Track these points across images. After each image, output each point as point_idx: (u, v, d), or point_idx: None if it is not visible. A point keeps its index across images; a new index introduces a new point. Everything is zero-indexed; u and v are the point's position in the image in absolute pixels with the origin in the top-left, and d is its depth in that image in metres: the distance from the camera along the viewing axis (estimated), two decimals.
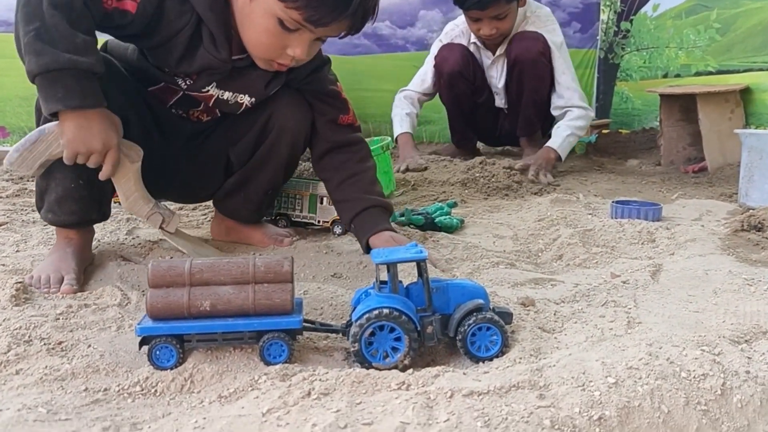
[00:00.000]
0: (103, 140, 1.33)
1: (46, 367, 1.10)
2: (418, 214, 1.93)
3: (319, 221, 1.85)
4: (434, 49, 2.98)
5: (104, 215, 1.57)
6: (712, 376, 0.95)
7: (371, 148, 2.25)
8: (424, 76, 2.99)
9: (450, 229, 1.89)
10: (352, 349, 1.07)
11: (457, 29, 2.93)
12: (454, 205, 2.03)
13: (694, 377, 0.95)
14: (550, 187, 2.49)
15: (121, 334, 1.22)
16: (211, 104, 1.61)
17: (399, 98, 3.01)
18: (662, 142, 3.11)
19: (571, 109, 2.74)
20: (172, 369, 1.07)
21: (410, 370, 1.05)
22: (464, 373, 1.01)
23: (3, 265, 1.55)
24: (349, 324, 1.13)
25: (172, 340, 1.07)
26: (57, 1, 1.26)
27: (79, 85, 1.28)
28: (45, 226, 1.87)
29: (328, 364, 1.11)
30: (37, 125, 1.41)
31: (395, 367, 1.08)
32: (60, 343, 1.19)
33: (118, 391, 1.03)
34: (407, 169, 2.67)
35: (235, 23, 1.45)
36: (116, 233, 1.77)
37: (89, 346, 1.17)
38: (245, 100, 1.61)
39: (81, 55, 1.27)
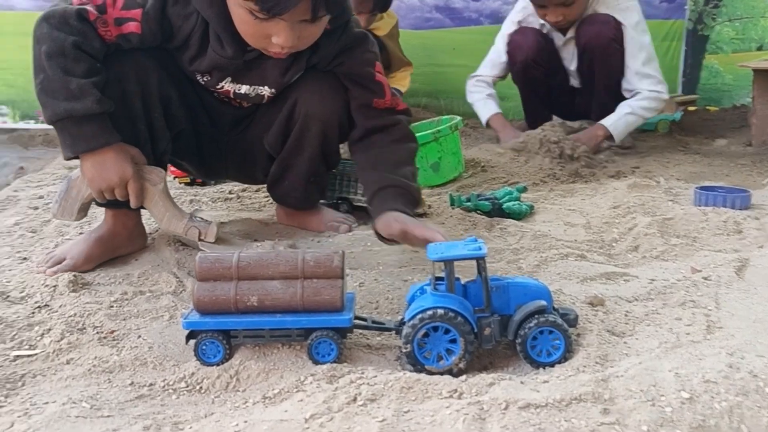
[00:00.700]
0: (119, 174, 1.37)
1: (96, 357, 1.09)
2: (486, 199, 1.85)
3: None
4: (505, 28, 2.84)
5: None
6: None
7: (440, 127, 2.19)
8: (495, 59, 2.85)
9: (519, 216, 1.79)
10: (404, 350, 1.02)
11: (530, 7, 2.79)
12: (524, 189, 1.93)
13: None
14: (621, 167, 2.33)
15: (173, 324, 1.20)
16: (231, 97, 1.57)
17: (472, 84, 2.88)
18: (755, 121, 2.88)
19: (641, 91, 2.58)
20: (218, 365, 1.04)
21: (464, 376, 0.99)
22: (522, 382, 0.94)
23: None
24: (402, 322, 1.07)
25: (218, 335, 1.04)
26: (51, 50, 1.31)
27: (82, 131, 1.34)
28: None
29: (379, 365, 1.05)
30: None
31: (449, 371, 1.02)
32: (112, 332, 1.19)
33: (163, 386, 1.01)
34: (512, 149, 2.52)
35: None
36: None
37: (139, 336, 1.16)
38: (265, 91, 1.56)
39: (76, 101, 1.31)
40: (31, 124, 3.29)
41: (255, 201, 1.96)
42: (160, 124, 1.50)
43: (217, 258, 1.07)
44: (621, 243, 1.65)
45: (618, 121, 2.54)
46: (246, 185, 2.05)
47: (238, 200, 1.99)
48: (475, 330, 1.02)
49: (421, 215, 1.77)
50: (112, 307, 1.27)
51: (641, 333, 1.12)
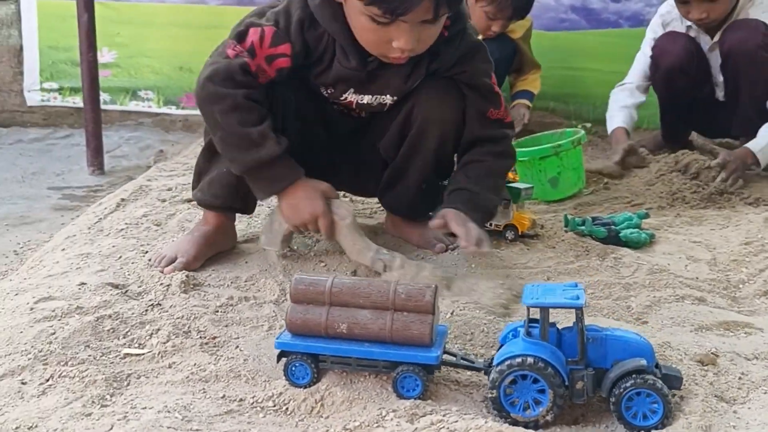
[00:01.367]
0: (310, 212, 1.45)
1: (195, 364, 1.15)
2: (603, 224, 1.75)
3: (490, 224, 1.75)
4: (650, 33, 2.67)
5: (246, 208, 1.62)
6: None
7: (562, 141, 2.11)
8: (644, 67, 2.67)
9: (636, 245, 1.69)
10: (490, 395, 0.99)
11: (674, 11, 2.59)
12: (646, 216, 1.81)
13: None
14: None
15: (270, 336, 1.24)
16: (354, 108, 1.59)
17: (615, 92, 2.71)
18: None
19: None
20: (306, 387, 1.06)
21: (550, 429, 0.95)
22: None
23: None
24: (491, 363, 1.04)
25: (307, 358, 1.06)
26: (226, 108, 1.40)
27: (272, 173, 1.43)
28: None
29: (464, 405, 1.04)
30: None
31: (535, 422, 0.98)
32: (214, 338, 1.24)
33: (252, 403, 1.04)
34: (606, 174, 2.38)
35: None
36: None
37: (237, 347, 1.20)
38: (387, 99, 1.57)
39: (261, 149, 1.40)
40: (173, 110, 3.49)
41: (367, 206, 1.98)
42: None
43: (312, 281, 1.08)
44: (749, 286, 1.52)
45: (766, 147, 2.31)
46: (358, 197, 2.06)
47: (351, 204, 2.01)
48: (567, 383, 0.98)
49: (531, 237, 1.72)
50: (216, 312, 1.33)
51: (756, 402, 1.03)
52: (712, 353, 1.17)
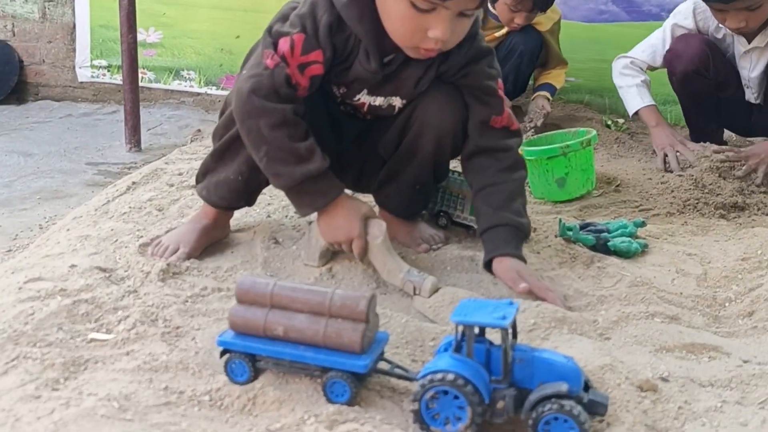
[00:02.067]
0: (345, 233, 1.46)
1: (150, 353, 1.20)
2: (596, 230, 1.72)
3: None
4: (672, 19, 2.54)
5: (249, 204, 1.66)
6: None
7: (570, 142, 2.07)
8: (656, 49, 2.55)
9: (626, 255, 1.66)
10: (412, 408, 1.01)
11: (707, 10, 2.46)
12: (642, 224, 1.76)
13: None
14: None
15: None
16: (365, 110, 1.59)
17: (624, 64, 2.56)
18: None
19: None
20: (243, 384, 1.10)
21: None
22: None
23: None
24: None
25: (246, 357, 1.10)
26: (273, 122, 1.40)
27: (318, 188, 1.44)
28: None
29: (391, 414, 1.05)
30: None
31: None
32: (177, 328, 1.29)
33: (191, 396, 1.09)
34: (671, 170, 2.29)
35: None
36: (286, 209, 1.84)
37: (193, 338, 1.25)
38: (396, 101, 1.57)
39: (309, 163, 1.42)
40: (213, 90, 3.59)
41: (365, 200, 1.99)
42: None
43: (254, 283, 1.12)
44: (734, 305, 1.47)
45: None
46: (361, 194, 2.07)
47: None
48: (487, 401, 0.99)
49: None
50: (186, 302, 1.38)
51: None
52: (661, 377, 1.15)
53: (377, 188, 1.72)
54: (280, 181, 1.46)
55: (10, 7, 3.62)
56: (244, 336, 1.11)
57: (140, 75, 3.41)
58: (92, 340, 1.26)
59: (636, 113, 2.54)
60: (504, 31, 2.82)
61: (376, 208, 1.73)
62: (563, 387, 0.97)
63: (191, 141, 2.95)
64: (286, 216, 1.80)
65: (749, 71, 2.38)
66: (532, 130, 2.68)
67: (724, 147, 2.31)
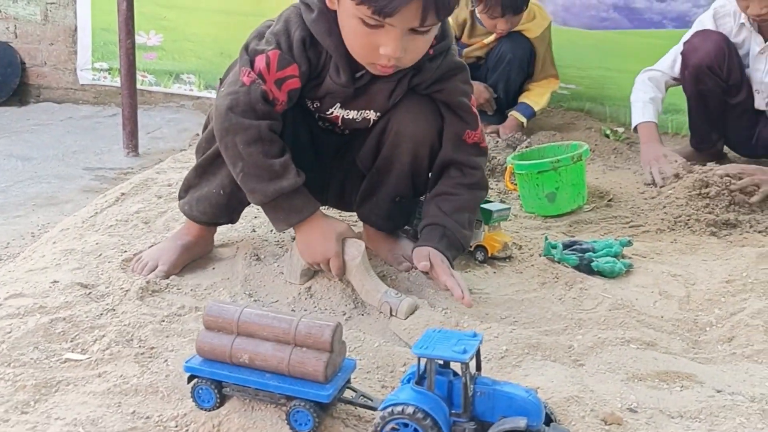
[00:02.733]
0: (323, 253, 1.47)
1: (121, 376, 1.21)
2: (581, 249, 1.71)
3: None
4: (697, 25, 2.54)
5: (231, 221, 1.67)
6: None
7: (561, 156, 2.06)
8: (677, 56, 2.55)
9: (610, 275, 1.64)
10: None
11: (729, 5, 2.45)
12: (628, 243, 1.75)
13: None
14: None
15: None
16: (339, 124, 1.59)
17: (642, 80, 2.58)
18: None
19: None
20: (209, 411, 1.10)
21: None
22: None
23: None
24: None
25: (212, 383, 1.10)
26: (249, 139, 1.42)
27: (292, 204, 1.46)
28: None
29: None
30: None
31: None
32: (151, 348, 1.30)
33: (157, 422, 1.10)
34: (655, 183, 2.25)
35: None
36: (267, 225, 1.84)
37: (165, 360, 1.26)
38: (371, 115, 1.59)
39: (283, 180, 1.43)
40: (213, 94, 3.60)
41: (346, 219, 1.99)
42: None
43: (222, 310, 1.12)
44: (715, 330, 1.46)
45: None
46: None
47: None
48: None
49: (503, 259, 1.70)
50: (163, 321, 1.39)
51: None
52: (630, 408, 1.14)
53: (359, 203, 1.72)
54: (255, 197, 1.47)
55: (13, 9, 3.65)
56: (211, 362, 1.12)
57: (140, 78, 3.44)
58: (67, 360, 1.27)
59: (635, 129, 2.53)
60: (492, 37, 2.81)
61: (359, 226, 1.73)
62: (522, 422, 0.97)
63: (190, 145, 2.96)
64: (271, 231, 1.80)
65: (763, 73, 2.35)
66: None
67: (728, 166, 2.25)
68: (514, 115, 2.89)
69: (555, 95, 3.07)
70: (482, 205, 1.70)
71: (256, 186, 1.45)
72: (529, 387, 1.05)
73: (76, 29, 3.66)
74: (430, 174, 1.67)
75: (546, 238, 1.75)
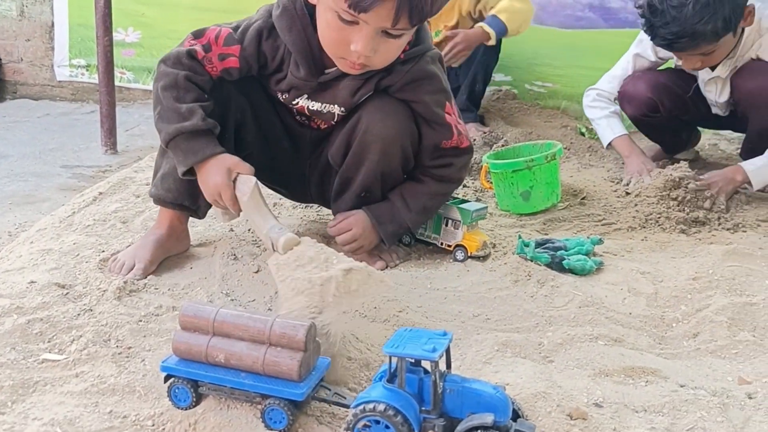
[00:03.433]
0: (213, 186, 1.49)
1: (99, 375, 1.22)
2: (554, 248, 1.74)
3: (441, 243, 1.78)
4: (633, 49, 2.55)
5: (197, 210, 1.68)
6: None
7: (535, 156, 2.09)
8: (620, 76, 2.54)
9: (581, 273, 1.68)
10: None
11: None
12: (599, 242, 1.79)
13: None
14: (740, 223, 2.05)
15: None
16: (306, 113, 1.67)
17: (592, 97, 2.57)
18: None
19: None
20: (185, 410, 1.12)
21: None
22: None
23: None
24: None
25: (188, 382, 1.12)
26: (166, 84, 1.52)
27: (191, 146, 1.50)
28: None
29: None
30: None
31: None
32: (129, 348, 1.32)
33: (134, 421, 1.11)
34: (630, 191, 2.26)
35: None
36: (243, 224, 1.86)
37: (143, 360, 1.27)
38: (335, 109, 1.65)
39: (185, 121, 1.49)
40: None
41: (330, 214, 2.01)
42: (229, 145, 1.61)
43: (198, 310, 1.14)
44: (681, 326, 1.50)
45: (763, 168, 2.22)
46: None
47: (316, 209, 2.06)
48: (417, 431, 1.01)
49: (480, 258, 1.74)
50: (140, 321, 1.40)
51: None
52: (595, 403, 1.18)
53: (333, 199, 1.75)
54: (161, 137, 1.53)
55: None
56: (187, 362, 1.14)
57: (119, 75, 3.42)
58: (44, 360, 1.28)
59: (609, 145, 2.54)
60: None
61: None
62: (489, 418, 1.00)
63: None
64: (249, 230, 1.82)
65: (716, 96, 2.40)
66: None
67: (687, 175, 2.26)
68: (481, 25, 2.73)
69: (531, 93, 3.09)
70: (460, 205, 1.74)
71: (162, 126, 1.52)
72: (498, 384, 1.08)
73: (53, 25, 3.64)
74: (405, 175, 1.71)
75: (519, 237, 1.78)
